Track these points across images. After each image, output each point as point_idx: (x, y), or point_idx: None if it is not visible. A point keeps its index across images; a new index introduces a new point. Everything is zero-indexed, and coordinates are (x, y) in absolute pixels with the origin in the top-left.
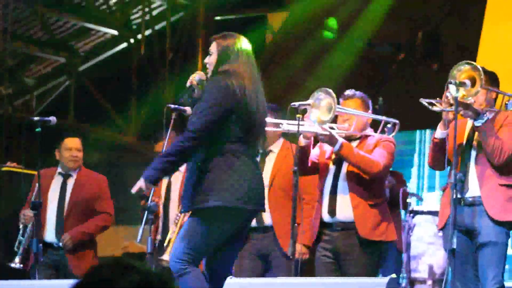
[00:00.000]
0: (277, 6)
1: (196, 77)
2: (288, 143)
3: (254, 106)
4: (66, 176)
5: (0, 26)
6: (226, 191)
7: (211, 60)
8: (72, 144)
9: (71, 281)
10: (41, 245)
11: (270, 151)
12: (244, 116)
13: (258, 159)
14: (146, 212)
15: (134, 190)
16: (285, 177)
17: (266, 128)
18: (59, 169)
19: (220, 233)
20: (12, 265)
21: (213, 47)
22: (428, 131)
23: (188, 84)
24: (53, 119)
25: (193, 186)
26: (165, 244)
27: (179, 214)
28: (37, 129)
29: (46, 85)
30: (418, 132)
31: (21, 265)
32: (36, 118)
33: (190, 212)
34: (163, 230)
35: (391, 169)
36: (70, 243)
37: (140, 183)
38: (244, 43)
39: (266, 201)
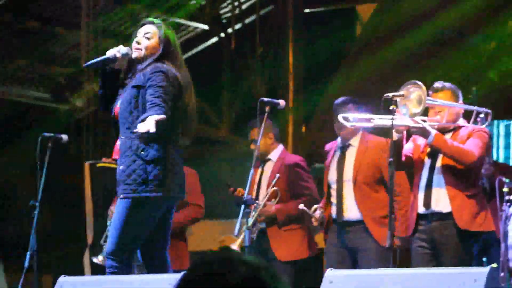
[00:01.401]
0: None
1: (123, 50)
2: (367, 135)
3: (190, 97)
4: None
5: (91, 24)
6: (166, 180)
7: (149, 44)
8: (253, 135)
9: (171, 276)
10: None
11: (350, 145)
12: (182, 107)
13: (337, 152)
14: (242, 205)
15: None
16: (368, 171)
17: (357, 123)
18: None
19: (153, 220)
20: (95, 260)
21: (153, 32)
22: (501, 123)
23: (111, 54)
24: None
25: (133, 173)
26: (246, 233)
27: (260, 202)
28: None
29: None
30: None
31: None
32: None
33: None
34: None
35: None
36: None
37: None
38: (177, 37)
39: (352, 196)
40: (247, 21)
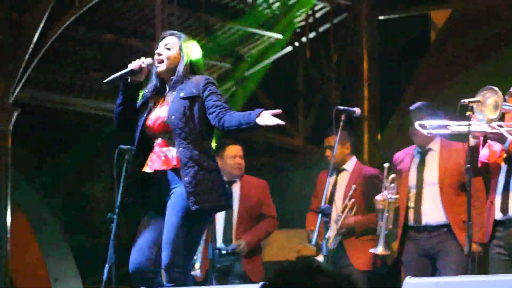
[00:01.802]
0: (440, 3)
1: (147, 61)
2: (447, 141)
3: None
4: (229, 183)
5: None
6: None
7: (170, 54)
8: (235, 152)
9: (249, 286)
10: (216, 251)
11: (430, 149)
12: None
13: (416, 158)
14: (320, 214)
15: None
16: (454, 175)
17: (433, 131)
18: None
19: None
20: (192, 272)
21: (174, 42)
22: None
23: (136, 65)
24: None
25: (199, 184)
26: (324, 243)
27: (340, 214)
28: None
29: None
30: None
31: (200, 271)
32: None
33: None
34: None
35: None
36: (246, 248)
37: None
38: None
39: (434, 199)
40: (321, 29)
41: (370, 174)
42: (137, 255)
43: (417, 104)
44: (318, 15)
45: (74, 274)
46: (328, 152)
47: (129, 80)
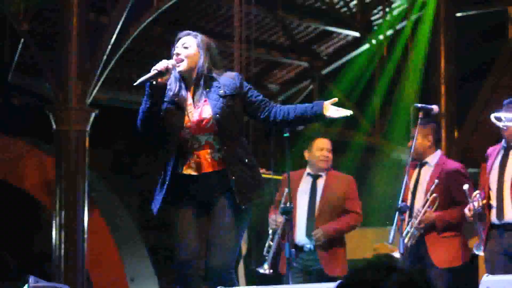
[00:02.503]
0: None
1: (172, 61)
2: None
3: None
4: (315, 177)
5: (243, 34)
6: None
7: (189, 53)
8: (323, 145)
9: (328, 285)
10: (293, 250)
11: None
12: None
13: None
14: (397, 212)
15: None
16: None
17: (508, 123)
18: (308, 170)
19: None
20: (261, 270)
21: (191, 41)
22: None
23: (162, 67)
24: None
25: (245, 182)
26: (401, 240)
27: (421, 209)
28: (285, 134)
29: (290, 90)
30: None
31: (271, 271)
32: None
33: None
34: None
35: None
36: (322, 238)
37: None
38: None
39: (508, 196)
40: (398, 27)
41: (454, 168)
42: (187, 253)
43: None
44: (395, 12)
45: (150, 274)
46: (410, 143)
47: (154, 83)
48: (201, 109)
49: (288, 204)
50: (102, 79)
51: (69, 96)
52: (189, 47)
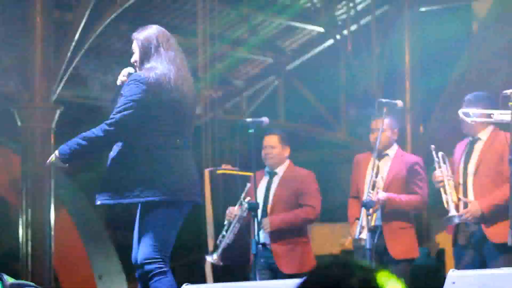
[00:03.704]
0: None
1: (125, 72)
2: (498, 130)
3: (181, 97)
4: (272, 174)
5: (207, 31)
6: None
7: (135, 59)
8: (266, 142)
9: (289, 281)
10: (260, 245)
11: (479, 138)
12: (170, 108)
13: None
14: (362, 208)
15: (47, 162)
16: (490, 165)
17: (477, 118)
18: (266, 168)
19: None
20: (209, 259)
21: (134, 45)
22: None
23: (118, 83)
24: (265, 119)
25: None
26: (368, 236)
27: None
28: (250, 131)
29: (255, 86)
30: None
31: (220, 262)
32: (249, 120)
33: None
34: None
35: None
36: (267, 227)
37: (54, 156)
38: (161, 31)
39: (471, 189)
40: (362, 22)
41: (413, 161)
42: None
43: (475, 93)
44: (359, 7)
45: (118, 271)
46: (372, 137)
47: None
48: None
49: (253, 201)
50: (66, 76)
51: (34, 93)
52: (134, 52)
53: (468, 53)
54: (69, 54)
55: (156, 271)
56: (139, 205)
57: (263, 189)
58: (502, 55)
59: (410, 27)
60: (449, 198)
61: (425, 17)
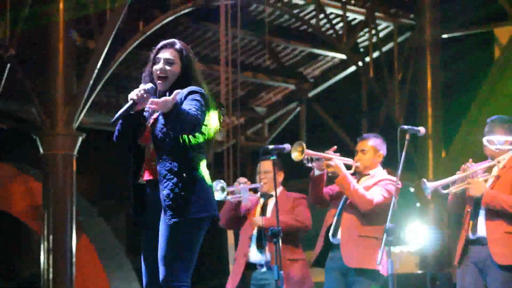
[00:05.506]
0: (504, 21)
1: (148, 86)
2: None
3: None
4: (267, 196)
5: (229, 57)
6: (206, 200)
7: (173, 69)
8: (261, 167)
9: None
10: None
11: (498, 162)
12: (206, 127)
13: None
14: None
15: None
16: (506, 183)
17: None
18: (259, 194)
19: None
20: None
21: (175, 56)
22: None
23: (137, 96)
24: (287, 146)
25: (180, 196)
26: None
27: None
28: (272, 157)
29: (277, 112)
30: None
31: None
32: (270, 147)
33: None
34: None
35: None
36: (260, 223)
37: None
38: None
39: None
40: (384, 48)
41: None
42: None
43: (497, 116)
44: (381, 34)
45: None
46: (356, 160)
47: (132, 112)
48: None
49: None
50: (89, 104)
51: (56, 120)
52: (173, 63)
53: (490, 78)
54: (91, 81)
55: None
56: (164, 224)
57: (258, 210)
58: None
59: (432, 53)
60: None
61: (447, 43)
